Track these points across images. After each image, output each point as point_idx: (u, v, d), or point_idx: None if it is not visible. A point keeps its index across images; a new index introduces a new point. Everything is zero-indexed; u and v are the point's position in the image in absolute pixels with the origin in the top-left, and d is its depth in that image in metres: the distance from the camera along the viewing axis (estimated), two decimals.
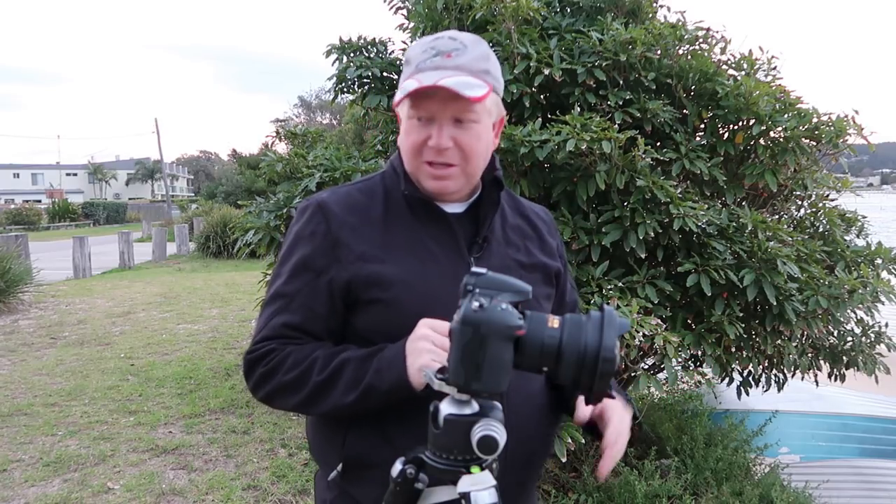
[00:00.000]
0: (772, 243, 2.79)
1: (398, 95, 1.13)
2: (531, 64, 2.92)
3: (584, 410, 1.16)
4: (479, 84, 1.11)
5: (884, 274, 3.20)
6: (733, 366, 3.05)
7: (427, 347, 1.02)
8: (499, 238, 1.25)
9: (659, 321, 2.56)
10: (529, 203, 1.39)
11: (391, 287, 1.14)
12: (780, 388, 3.43)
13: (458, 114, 1.13)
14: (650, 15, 3.50)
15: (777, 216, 3.36)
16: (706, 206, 2.85)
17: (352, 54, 3.76)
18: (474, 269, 0.95)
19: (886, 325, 3.46)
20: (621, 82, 3.06)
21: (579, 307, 1.42)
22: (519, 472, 1.17)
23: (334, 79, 3.77)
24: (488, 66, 1.16)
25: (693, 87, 3.15)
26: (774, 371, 3.30)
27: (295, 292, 1.17)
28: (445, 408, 0.93)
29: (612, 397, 1.09)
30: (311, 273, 1.16)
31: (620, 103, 2.98)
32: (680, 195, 2.77)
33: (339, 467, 1.17)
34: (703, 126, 3.20)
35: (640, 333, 2.45)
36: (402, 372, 1.05)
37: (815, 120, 3.00)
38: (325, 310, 1.15)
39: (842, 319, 3.17)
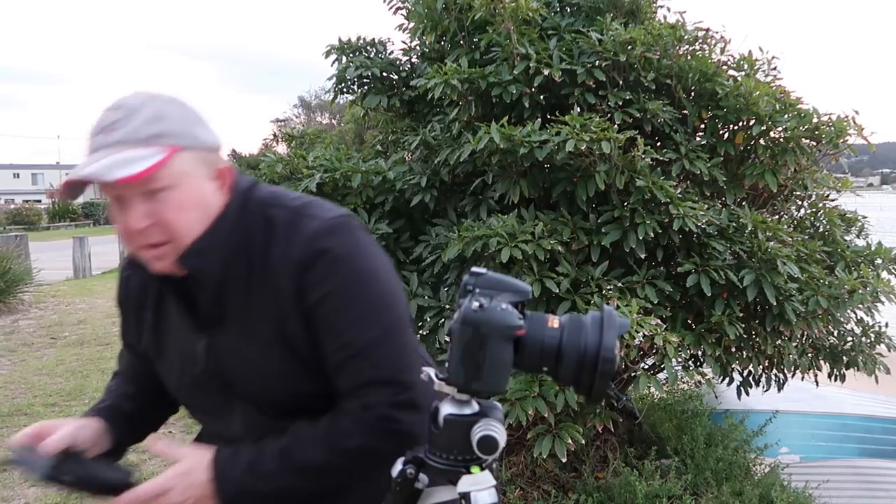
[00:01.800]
0: (772, 243, 2.79)
1: (63, 181, 1.02)
2: (531, 64, 2.92)
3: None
4: (146, 155, 0.97)
5: (884, 274, 3.20)
6: (733, 366, 3.05)
7: None
8: (240, 308, 1.08)
9: (659, 321, 2.56)
10: (292, 235, 1.06)
11: (155, 351, 1.22)
12: (780, 388, 3.42)
13: (145, 187, 0.98)
14: (650, 15, 3.50)
15: (777, 216, 3.36)
16: (706, 206, 2.85)
17: (351, 54, 3.77)
18: (474, 268, 0.95)
19: (886, 325, 3.46)
20: (621, 82, 3.06)
21: (578, 308, 1.41)
22: None
23: (334, 79, 3.77)
24: (161, 127, 1.00)
25: (693, 88, 3.15)
26: (774, 371, 3.30)
27: (122, 335, 1.34)
28: (445, 408, 0.93)
29: (612, 397, 1.08)
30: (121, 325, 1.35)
31: (620, 104, 2.98)
32: (680, 195, 2.77)
33: None
34: (702, 126, 3.20)
35: (640, 333, 2.45)
36: None
37: (815, 120, 3.00)
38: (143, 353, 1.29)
39: (842, 319, 3.17)
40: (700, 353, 2.94)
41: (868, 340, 3.41)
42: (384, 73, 3.73)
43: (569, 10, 3.50)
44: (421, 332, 3.10)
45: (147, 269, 1.09)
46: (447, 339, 0.95)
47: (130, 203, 1.00)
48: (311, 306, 1.04)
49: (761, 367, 3.20)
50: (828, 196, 3.54)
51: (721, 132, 3.19)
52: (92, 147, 1.00)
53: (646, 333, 2.46)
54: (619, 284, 2.72)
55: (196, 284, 1.08)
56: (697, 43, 3.19)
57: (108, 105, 1.02)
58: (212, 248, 1.05)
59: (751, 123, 3.06)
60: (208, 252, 1.05)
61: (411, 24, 3.63)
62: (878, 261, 3.25)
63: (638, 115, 2.96)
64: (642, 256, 2.78)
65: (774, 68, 3.30)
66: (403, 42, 3.82)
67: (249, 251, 1.07)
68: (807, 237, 3.21)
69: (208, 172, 1.05)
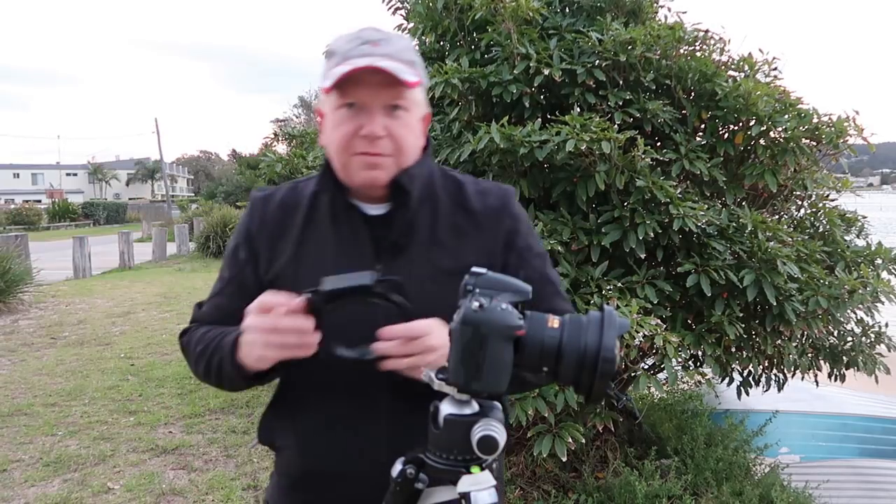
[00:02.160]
0: (772, 243, 2.79)
1: (326, 82, 1.09)
2: (531, 64, 2.92)
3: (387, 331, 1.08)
4: (411, 72, 1.09)
5: (884, 274, 3.20)
6: (733, 366, 3.05)
7: (252, 340, 1.02)
8: (424, 241, 1.17)
9: (659, 321, 2.56)
10: (482, 188, 1.26)
11: (300, 286, 1.07)
12: (780, 388, 3.43)
13: (391, 100, 1.10)
14: (650, 15, 3.50)
15: (777, 216, 3.36)
16: (706, 206, 2.85)
17: None
18: (474, 268, 0.95)
19: (886, 325, 3.46)
20: (621, 83, 3.06)
21: (578, 308, 1.40)
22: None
23: None
24: (414, 58, 1.14)
25: (693, 88, 3.15)
26: (774, 371, 3.30)
27: (230, 278, 1.23)
28: (445, 408, 0.93)
29: (612, 397, 1.08)
30: (238, 262, 1.21)
31: (620, 104, 2.98)
32: (680, 195, 2.77)
33: (257, 440, 1.29)
34: (702, 126, 3.20)
35: (640, 333, 2.45)
36: (238, 363, 1.08)
37: (815, 120, 3.00)
38: (244, 301, 1.08)
39: (842, 319, 3.17)
40: (700, 353, 2.94)
41: (868, 340, 3.41)
42: None
43: (569, 9, 3.50)
44: None
45: (296, 201, 1.21)
46: None
47: (372, 112, 1.10)
48: (518, 246, 1.22)
49: (761, 367, 3.20)
50: (828, 196, 3.54)
51: (721, 132, 3.19)
52: (359, 53, 1.08)
53: (646, 333, 2.46)
54: (619, 284, 2.72)
55: (398, 208, 1.16)
56: (697, 43, 3.19)
57: (357, 28, 1.14)
58: (419, 177, 1.18)
59: (750, 124, 3.06)
60: (417, 179, 1.17)
61: (411, 24, 3.63)
62: (878, 261, 3.25)
63: (638, 115, 2.96)
64: (642, 256, 2.78)
65: (775, 69, 3.30)
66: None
67: (436, 197, 1.21)
68: (807, 237, 3.21)
69: (423, 113, 1.19)
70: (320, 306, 0.99)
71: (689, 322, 3.02)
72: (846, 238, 3.45)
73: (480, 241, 1.20)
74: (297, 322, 0.98)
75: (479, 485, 0.92)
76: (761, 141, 3.08)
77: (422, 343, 1.02)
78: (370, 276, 0.99)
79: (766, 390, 3.41)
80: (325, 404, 1.15)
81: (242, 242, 1.22)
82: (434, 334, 1.03)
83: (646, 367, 2.80)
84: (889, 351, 3.50)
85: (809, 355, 3.30)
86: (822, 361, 3.39)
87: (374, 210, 1.17)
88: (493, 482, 0.94)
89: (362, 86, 1.09)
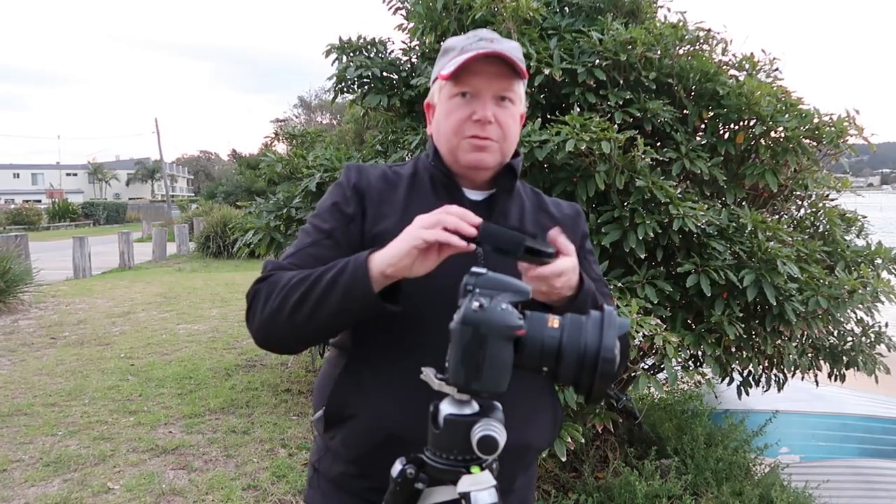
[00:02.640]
0: (772, 243, 2.79)
1: (447, 69, 1.20)
2: (531, 64, 2.92)
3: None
4: (522, 66, 1.21)
5: (884, 274, 3.20)
6: (733, 366, 3.05)
7: (415, 233, 1.03)
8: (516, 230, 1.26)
9: (659, 321, 2.56)
10: (554, 199, 1.41)
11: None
12: (780, 388, 3.43)
13: (501, 91, 1.21)
14: (650, 15, 3.50)
15: (777, 216, 3.36)
16: (706, 206, 2.85)
17: (351, 54, 3.77)
18: (474, 268, 0.95)
19: (886, 325, 3.46)
20: (621, 82, 3.06)
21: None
22: (512, 466, 1.18)
23: (334, 79, 3.77)
24: (521, 56, 1.24)
25: (693, 88, 3.15)
26: (774, 371, 3.30)
27: (330, 230, 1.22)
28: (445, 408, 0.93)
29: (612, 397, 1.09)
30: (344, 217, 1.22)
31: (620, 103, 2.98)
32: (680, 195, 2.77)
33: (322, 412, 1.21)
34: (703, 126, 3.20)
35: (640, 333, 2.45)
36: (367, 276, 1.05)
37: (815, 120, 3.00)
38: (349, 252, 1.13)
39: (842, 319, 3.17)
40: (700, 353, 2.94)
41: (868, 340, 3.41)
42: (384, 73, 3.72)
43: (569, 9, 3.50)
44: None
45: (396, 177, 1.28)
46: None
47: (484, 100, 1.20)
48: (585, 250, 1.38)
49: (761, 367, 3.20)
50: (828, 196, 3.54)
51: (721, 132, 3.19)
52: (475, 47, 1.19)
53: (646, 333, 2.46)
54: (619, 284, 2.72)
55: (500, 194, 1.27)
56: (698, 43, 3.19)
57: (473, 31, 1.27)
58: (518, 169, 1.29)
59: (751, 123, 3.06)
60: (517, 170, 1.28)
61: (411, 24, 3.62)
62: (878, 261, 3.25)
63: (638, 114, 2.96)
64: (642, 256, 2.78)
65: (776, 69, 3.30)
66: (403, 42, 3.82)
67: (521, 196, 1.33)
68: (807, 237, 3.21)
69: (523, 109, 1.29)
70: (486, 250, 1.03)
71: (689, 322, 3.02)
72: (846, 238, 3.46)
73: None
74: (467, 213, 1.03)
75: (479, 485, 0.92)
76: (762, 140, 3.08)
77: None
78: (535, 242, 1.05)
79: (766, 390, 3.41)
80: (409, 366, 1.09)
81: (351, 197, 1.24)
82: (569, 270, 1.11)
83: (646, 367, 2.80)
84: (889, 351, 3.51)
85: (809, 355, 3.30)
86: (822, 361, 3.39)
87: (474, 195, 1.26)
88: (493, 482, 0.94)
89: (478, 76, 1.19)
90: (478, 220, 1.03)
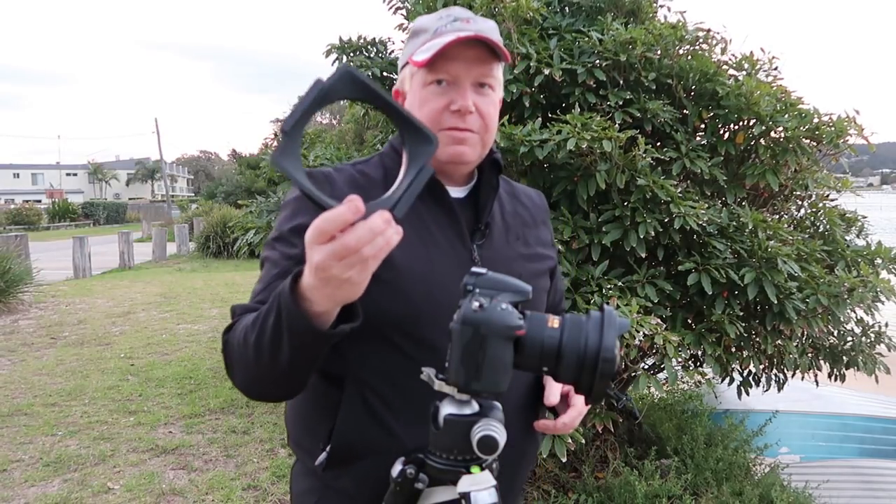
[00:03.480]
0: (772, 242, 2.79)
1: (423, 55, 1.08)
2: (531, 64, 2.92)
3: (553, 395, 1.15)
4: (503, 48, 1.10)
5: (884, 273, 3.20)
6: (733, 365, 3.05)
7: (324, 265, 0.77)
8: (499, 226, 1.20)
9: (659, 321, 2.56)
10: (522, 187, 1.34)
11: (393, 268, 1.02)
12: (780, 388, 3.43)
13: (481, 77, 1.11)
14: (650, 15, 3.50)
15: (777, 216, 3.36)
16: (706, 205, 2.85)
17: (352, 54, 3.77)
18: (474, 268, 0.94)
19: (886, 325, 3.46)
20: (621, 82, 3.06)
21: (579, 308, 1.43)
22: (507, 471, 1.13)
23: None
24: (499, 38, 1.14)
25: (693, 87, 3.15)
26: (774, 371, 3.30)
27: (300, 255, 0.93)
28: (445, 408, 0.93)
29: (613, 397, 1.09)
30: None
31: (620, 103, 2.98)
32: (680, 194, 2.77)
33: (326, 454, 1.08)
34: (703, 126, 3.20)
35: (640, 333, 2.45)
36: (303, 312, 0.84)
37: (815, 120, 3.00)
38: None
39: (842, 319, 3.17)
40: (700, 352, 2.94)
41: (868, 340, 3.41)
42: (384, 73, 3.72)
43: (569, 9, 3.49)
44: None
45: (367, 179, 1.14)
46: None
47: (464, 87, 1.10)
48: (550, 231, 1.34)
49: (761, 366, 3.20)
50: (828, 196, 3.55)
51: (721, 132, 3.19)
52: (452, 29, 1.10)
53: (646, 333, 2.46)
54: (620, 284, 2.72)
55: (485, 190, 1.18)
56: (698, 43, 3.19)
57: (444, 9, 1.17)
58: (502, 163, 1.22)
59: (751, 123, 3.06)
60: (501, 164, 1.22)
61: (411, 24, 3.62)
62: (878, 260, 3.25)
63: (638, 114, 2.95)
64: (643, 255, 2.78)
65: (775, 68, 3.30)
66: (403, 42, 3.81)
67: (497, 186, 1.22)
68: (807, 236, 3.21)
69: (501, 95, 1.19)
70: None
71: (690, 321, 3.01)
72: (846, 237, 3.46)
73: (537, 231, 1.28)
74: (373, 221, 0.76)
75: (479, 485, 0.92)
76: (762, 140, 3.08)
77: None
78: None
79: (766, 390, 3.41)
80: (421, 389, 0.96)
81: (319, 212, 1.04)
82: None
83: (646, 366, 2.80)
84: (889, 351, 3.50)
85: (809, 355, 3.30)
86: (822, 361, 3.39)
87: (455, 192, 1.17)
88: (493, 482, 0.93)
89: (456, 61, 1.09)
90: (355, 210, 0.75)
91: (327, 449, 1.07)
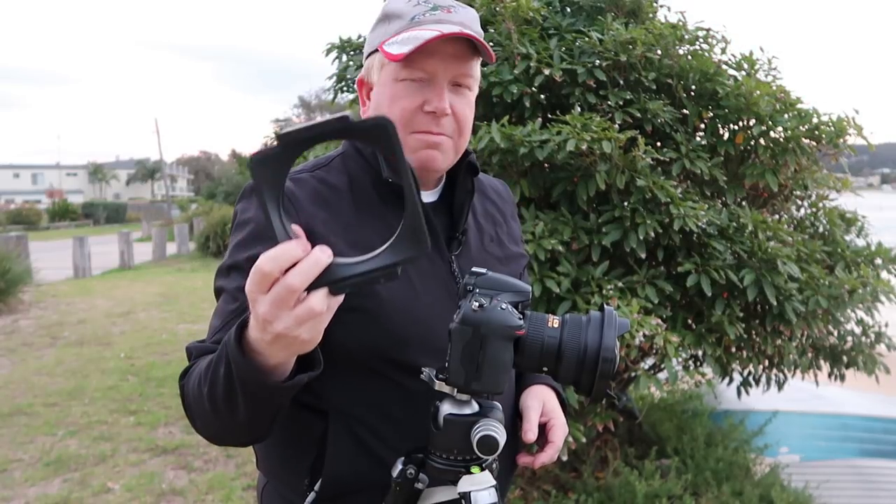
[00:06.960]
0: (772, 243, 2.79)
1: (400, 48, 0.97)
2: (531, 64, 2.92)
3: (532, 431, 1.05)
4: (486, 45, 1.01)
5: (884, 274, 3.20)
6: (733, 366, 3.05)
7: (270, 317, 0.68)
8: (473, 231, 1.14)
9: (659, 321, 2.56)
10: (488, 179, 1.27)
11: (376, 296, 0.96)
12: (780, 388, 3.42)
13: (459, 77, 1.02)
14: (650, 15, 3.50)
15: (777, 216, 3.36)
16: (706, 206, 2.85)
17: (352, 53, 3.76)
18: (474, 268, 0.94)
19: (886, 325, 3.46)
20: (621, 82, 3.06)
21: (579, 308, 1.41)
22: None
23: (334, 78, 3.76)
24: (481, 31, 1.05)
25: (693, 88, 3.15)
26: (774, 371, 3.30)
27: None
28: (445, 408, 0.93)
29: (613, 397, 1.09)
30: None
31: (621, 103, 2.98)
32: (680, 195, 2.77)
33: (315, 494, 1.00)
34: (703, 126, 3.20)
35: (641, 333, 2.45)
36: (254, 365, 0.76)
37: (815, 120, 3.00)
38: None
39: (842, 319, 3.17)
40: (700, 353, 2.94)
41: (868, 340, 3.41)
42: None
43: (569, 9, 3.49)
44: None
45: (330, 189, 1.02)
46: None
47: (440, 87, 1.01)
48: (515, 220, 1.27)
49: (761, 366, 3.20)
50: (828, 196, 3.54)
51: (721, 132, 3.19)
52: (432, 19, 1.00)
53: (646, 333, 2.46)
54: (620, 284, 2.72)
55: (459, 194, 1.11)
56: (698, 43, 3.19)
57: None
58: (478, 166, 1.15)
59: (751, 123, 3.06)
60: (478, 168, 1.14)
61: None
62: (878, 261, 3.25)
63: (638, 114, 2.95)
64: (643, 256, 2.78)
65: (774, 68, 3.30)
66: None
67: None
68: (807, 237, 3.21)
69: (475, 94, 1.10)
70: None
71: (690, 322, 3.01)
72: (846, 238, 3.45)
73: (508, 228, 1.23)
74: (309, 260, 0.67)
75: (479, 485, 0.92)
76: (762, 141, 3.08)
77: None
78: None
79: (766, 390, 3.41)
80: (411, 415, 0.96)
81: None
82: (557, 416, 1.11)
83: (646, 367, 2.80)
84: (889, 351, 3.50)
85: (809, 355, 3.30)
86: (822, 361, 3.39)
87: (426, 197, 1.09)
88: (493, 482, 0.93)
89: (433, 56, 0.98)
90: (296, 251, 0.66)
91: (316, 488, 1.00)
